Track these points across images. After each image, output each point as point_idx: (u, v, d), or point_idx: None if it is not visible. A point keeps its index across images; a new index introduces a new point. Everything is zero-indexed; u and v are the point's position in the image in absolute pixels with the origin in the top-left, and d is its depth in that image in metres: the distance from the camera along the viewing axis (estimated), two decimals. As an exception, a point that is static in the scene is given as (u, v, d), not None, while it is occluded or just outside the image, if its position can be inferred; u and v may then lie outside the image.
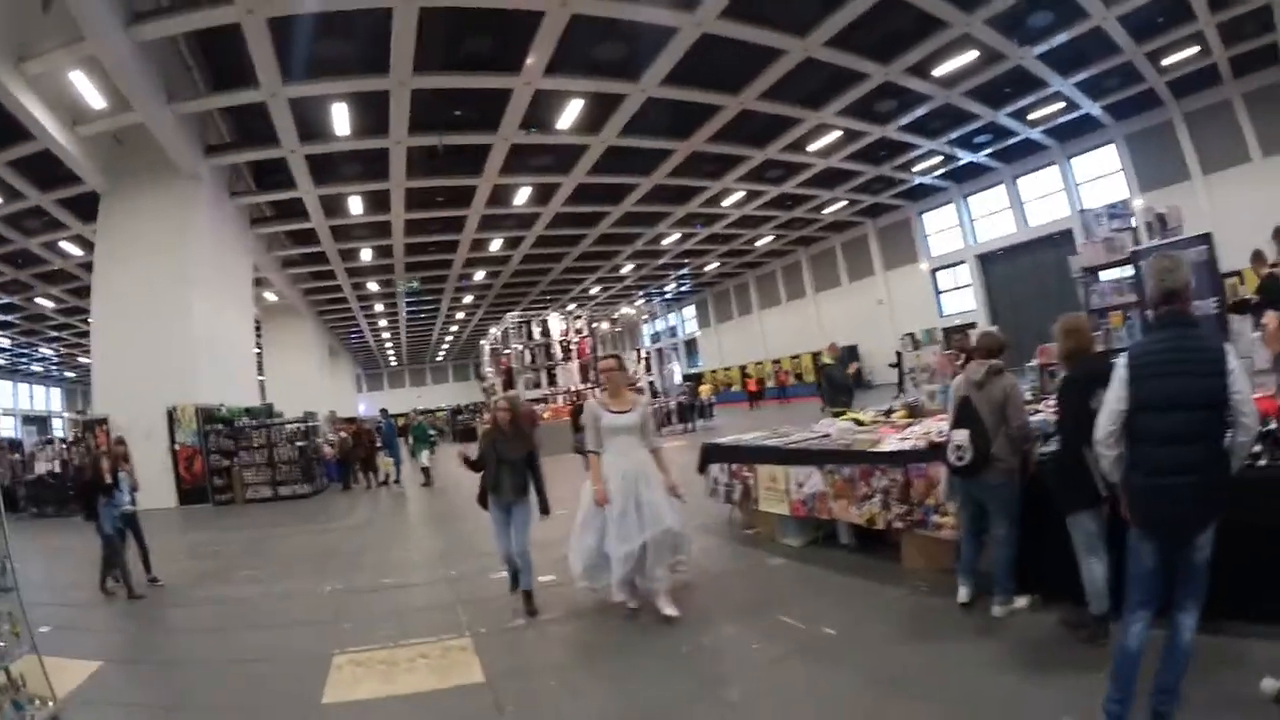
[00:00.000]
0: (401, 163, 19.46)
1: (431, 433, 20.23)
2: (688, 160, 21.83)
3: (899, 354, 25.49)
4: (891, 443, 6.68)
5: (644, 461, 5.96)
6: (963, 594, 5.27)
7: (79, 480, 7.81)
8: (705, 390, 32.50)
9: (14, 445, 21.68)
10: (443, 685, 5.01)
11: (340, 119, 17.00)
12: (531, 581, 6.47)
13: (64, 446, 20.72)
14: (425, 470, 18.20)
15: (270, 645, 6.43)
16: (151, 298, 18.52)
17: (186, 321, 18.74)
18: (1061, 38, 17.39)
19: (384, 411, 22.64)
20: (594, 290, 41.19)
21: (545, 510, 6.56)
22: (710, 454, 9.11)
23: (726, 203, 27.59)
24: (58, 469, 19.62)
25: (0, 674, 4.41)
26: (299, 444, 19.39)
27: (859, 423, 8.43)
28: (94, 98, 15.21)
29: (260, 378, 29.83)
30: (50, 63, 13.85)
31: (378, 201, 22.70)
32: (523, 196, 23.52)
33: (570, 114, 17.92)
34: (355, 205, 22.89)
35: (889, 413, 8.90)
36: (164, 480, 18.00)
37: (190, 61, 15.44)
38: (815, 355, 35.75)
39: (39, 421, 42.67)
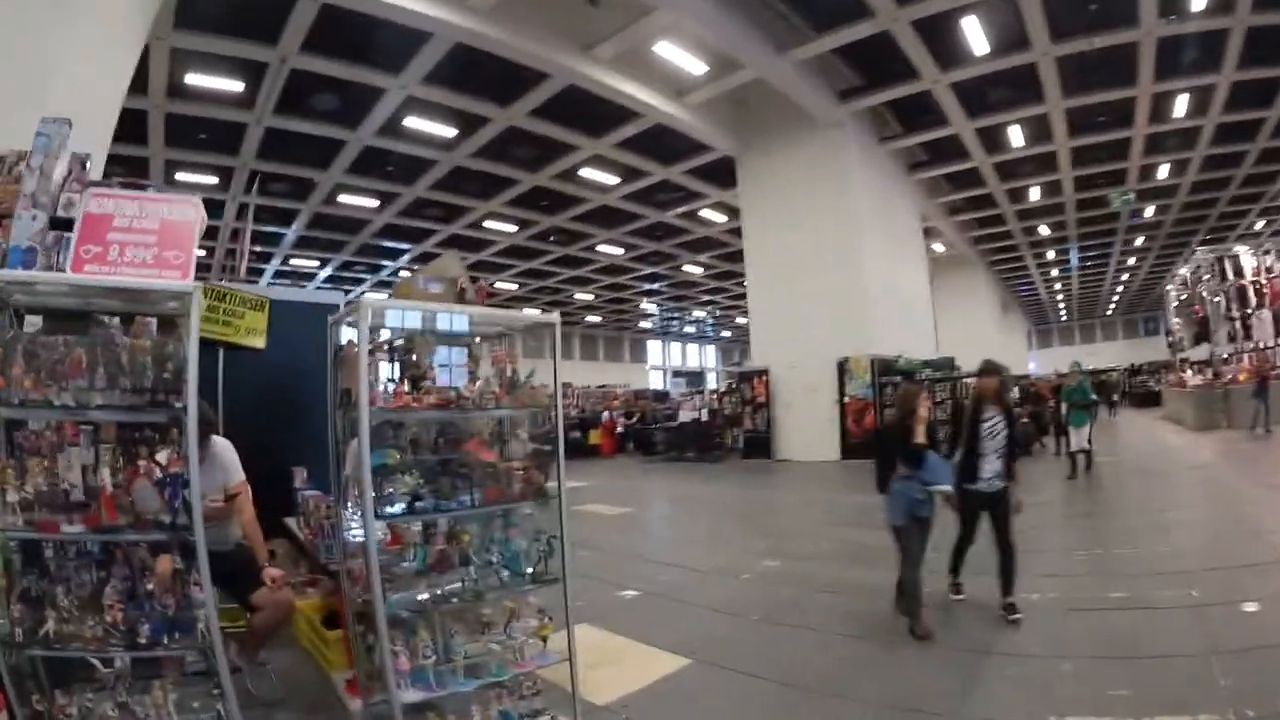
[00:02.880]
0: (1054, 78, 16.42)
1: (1094, 396, 14.42)
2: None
3: None
4: None
5: None
6: None
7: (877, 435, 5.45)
8: None
9: (659, 395, 24.60)
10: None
11: (974, 35, 14.46)
12: None
13: (713, 396, 22.54)
14: (1083, 453, 12.59)
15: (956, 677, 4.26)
16: (813, 251, 18.30)
17: (857, 271, 18.11)
18: None
19: (1076, 364, 16.12)
20: (1258, 225, 31.78)
21: None
22: None
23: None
24: (704, 417, 21.27)
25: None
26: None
27: None
28: (691, 64, 15.12)
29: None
30: (624, 42, 13.92)
31: (1038, 130, 19.82)
32: (1181, 106, 18.49)
33: (1201, -12, 13.01)
34: (1014, 137, 20.17)
35: None
36: (828, 433, 17.68)
37: (782, 8, 14.42)
38: None
39: (691, 376, 47.77)
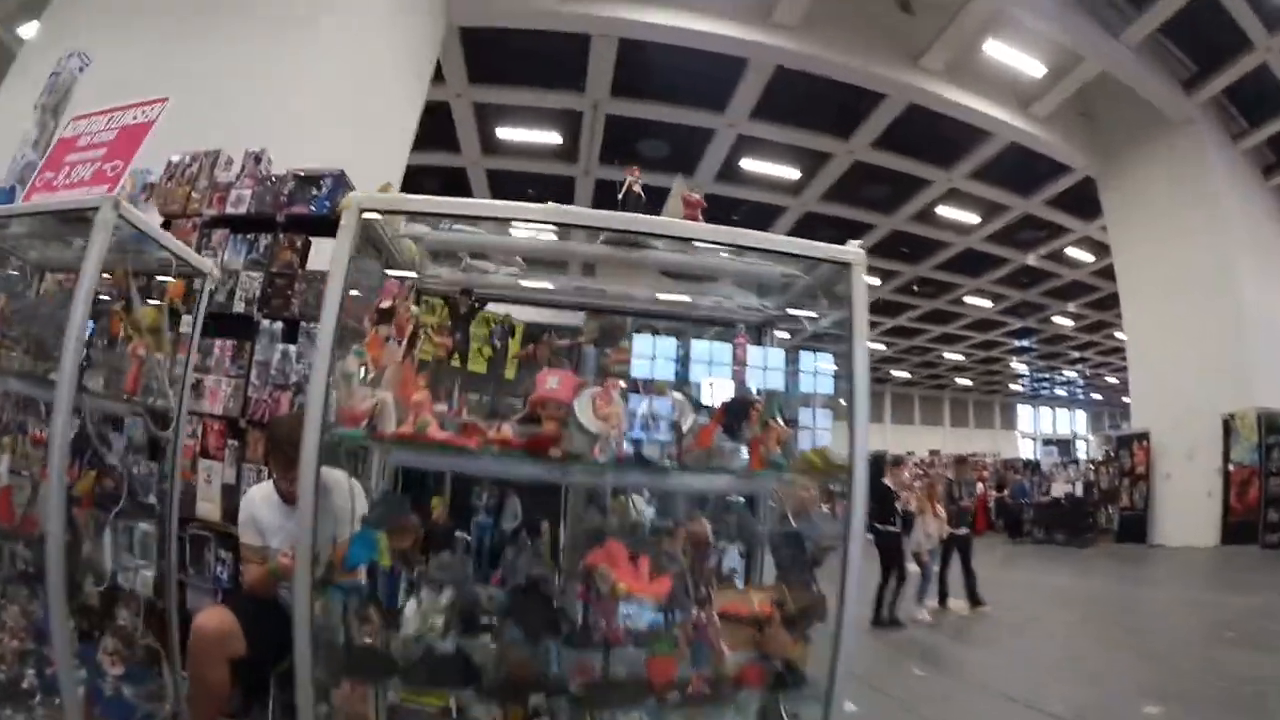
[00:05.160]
0: None
1: None
2: None
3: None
4: None
5: None
6: None
7: None
8: None
9: (1029, 465, 21.69)
10: None
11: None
12: None
13: (1090, 467, 19.95)
14: None
15: None
16: (1187, 284, 15.72)
17: (1231, 305, 15.23)
18: None
19: None
20: None
21: None
22: None
23: None
24: (1078, 492, 18.56)
25: None
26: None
27: None
28: (1027, 64, 13.62)
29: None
30: (950, 46, 12.71)
31: None
32: None
33: None
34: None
35: None
36: (1207, 511, 14.63)
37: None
38: None
39: (1060, 444, 43.09)
